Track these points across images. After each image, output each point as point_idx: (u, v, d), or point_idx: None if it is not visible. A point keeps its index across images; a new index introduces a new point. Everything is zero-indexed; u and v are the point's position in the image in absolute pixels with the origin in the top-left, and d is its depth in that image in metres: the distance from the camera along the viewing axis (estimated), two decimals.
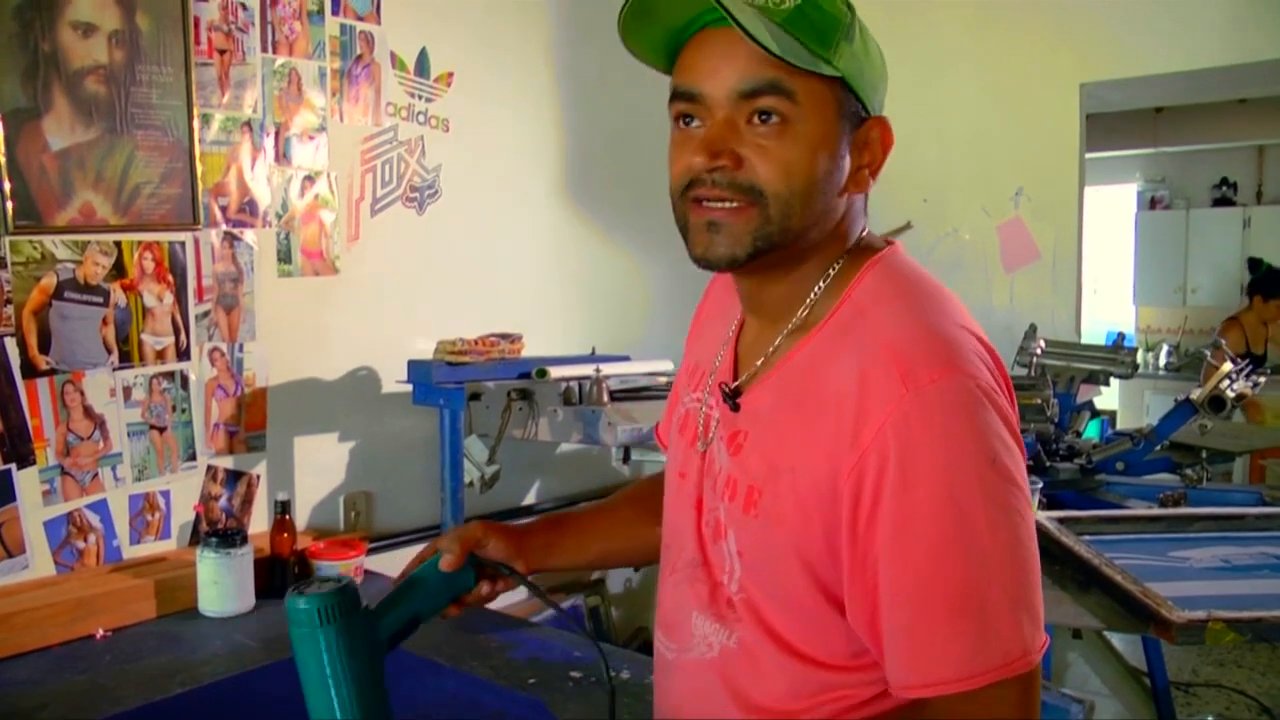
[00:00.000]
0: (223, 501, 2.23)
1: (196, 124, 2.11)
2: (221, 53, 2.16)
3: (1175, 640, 1.56)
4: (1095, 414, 3.13)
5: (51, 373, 1.95)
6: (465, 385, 2.31)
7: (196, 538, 2.13)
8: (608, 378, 2.32)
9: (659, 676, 1.07)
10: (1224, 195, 7.02)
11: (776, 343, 0.95)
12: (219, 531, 1.98)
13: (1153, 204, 7.28)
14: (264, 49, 2.23)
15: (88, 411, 2.00)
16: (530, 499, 2.93)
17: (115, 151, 2.00)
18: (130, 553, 2.08)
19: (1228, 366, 2.49)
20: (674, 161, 0.92)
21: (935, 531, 0.80)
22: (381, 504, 2.54)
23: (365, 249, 2.47)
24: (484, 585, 1.12)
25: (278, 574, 2.09)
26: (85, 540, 2.01)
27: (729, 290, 1.05)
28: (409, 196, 2.57)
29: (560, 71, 2.95)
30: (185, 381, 2.15)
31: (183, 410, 2.15)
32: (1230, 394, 2.47)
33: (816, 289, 0.94)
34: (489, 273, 2.78)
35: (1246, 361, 2.59)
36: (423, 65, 2.57)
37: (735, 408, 0.96)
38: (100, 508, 2.03)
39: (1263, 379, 2.57)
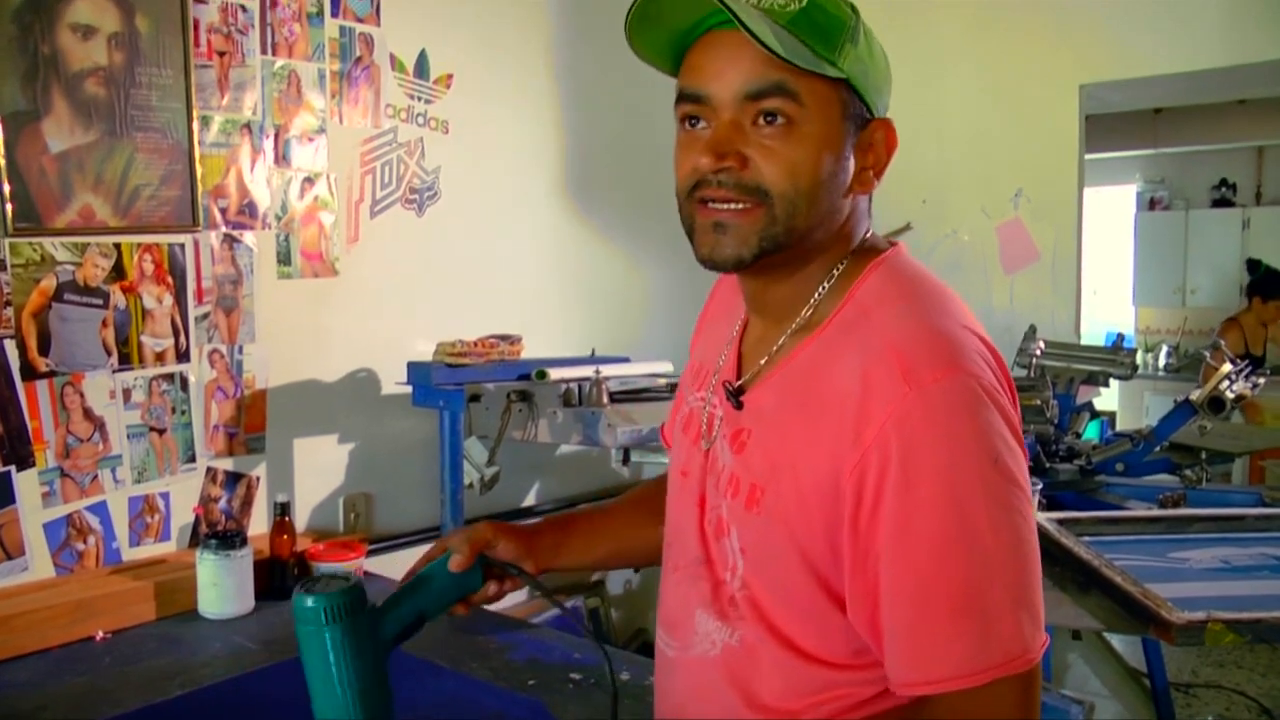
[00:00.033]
0: (222, 503, 2.23)
1: (196, 126, 2.11)
2: (221, 55, 2.16)
3: (1175, 641, 1.55)
4: (1095, 415, 3.13)
5: (51, 375, 1.95)
6: (465, 387, 2.30)
7: (196, 539, 2.13)
8: (607, 379, 2.31)
9: (660, 675, 1.07)
10: (1223, 196, 7.03)
11: (780, 342, 0.96)
12: (219, 533, 1.99)
13: (1152, 205, 7.28)
14: (263, 51, 2.23)
15: (87, 413, 2.00)
16: (530, 500, 2.93)
17: (115, 154, 2.00)
18: (130, 555, 2.08)
19: (1227, 367, 2.49)
20: (680, 163, 0.92)
21: (937, 530, 0.81)
22: (381, 506, 2.54)
23: (365, 251, 2.47)
24: (491, 585, 1.12)
25: (277, 576, 2.09)
26: (85, 542, 2.01)
27: (734, 291, 1.05)
28: (408, 198, 2.57)
29: (560, 73, 2.95)
30: (185, 383, 2.15)
31: (182, 412, 2.15)
32: (1230, 395, 2.47)
33: (821, 289, 0.94)
34: (488, 274, 2.78)
35: (1246, 362, 2.60)
36: (422, 67, 2.57)
37: (739, 406, 0.97)
38: (100, 510, 2.03)
39: (1262, 380, 2.57)
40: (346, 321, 2.44)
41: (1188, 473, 2.64)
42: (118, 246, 2.03)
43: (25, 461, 1.92)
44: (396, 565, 2.28)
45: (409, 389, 2.39)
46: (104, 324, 2.02)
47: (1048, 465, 2.57)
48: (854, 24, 0.90)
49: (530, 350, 2.56)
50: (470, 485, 2.39)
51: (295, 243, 2.33)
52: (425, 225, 2.61)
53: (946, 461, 0.81)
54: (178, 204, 2.10)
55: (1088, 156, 3.57)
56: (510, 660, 1.78)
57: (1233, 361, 2.54)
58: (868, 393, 0.84)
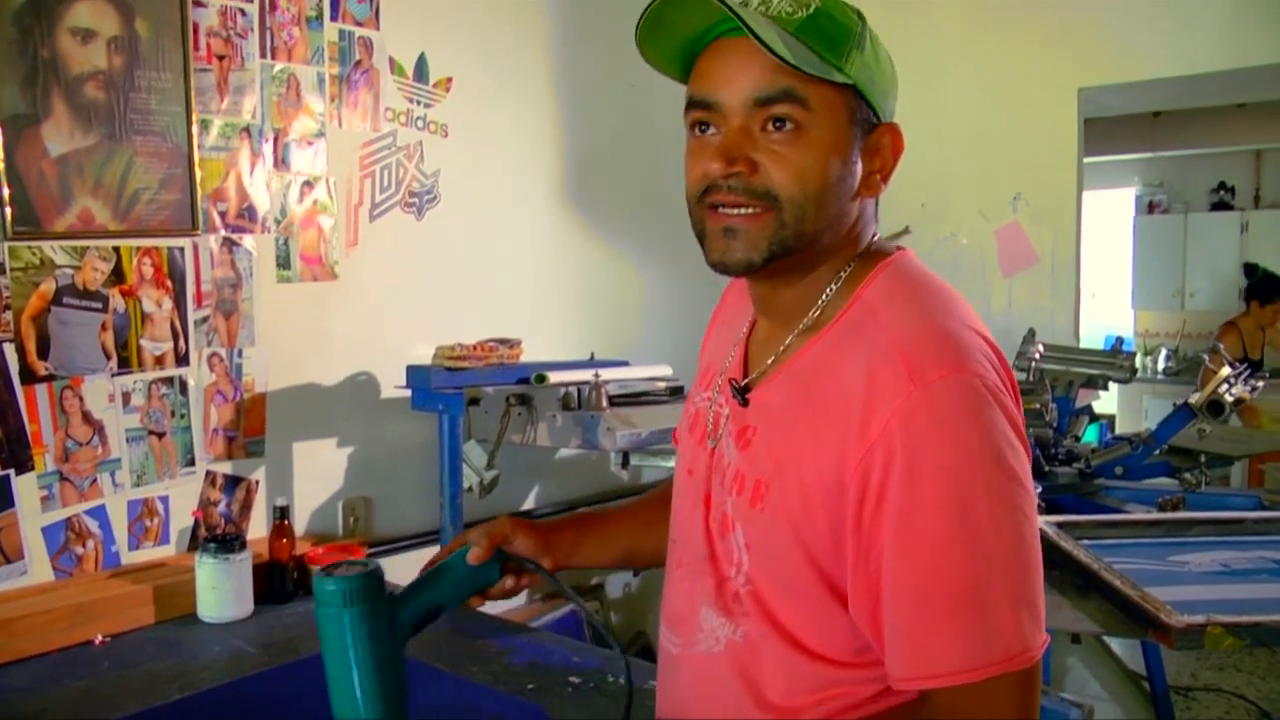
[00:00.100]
0: (221, 507, 2.23)
1: (195, 129, 2.11)
2: (220, 58, 2.16)
3: (1174, 645, 1.55)
4: (1094, 418, 3.14)
5: (50, 378, 1.95)
6: (464, 390, 2.31)
7: (195, 543, 2.13)
8: (606, 383, 2.32)
9: (663, 673, 1.08)
10: (1222, 199, 7.04)
11: (787, 341, 0.97)
12: (218, 537, 1.98)
13: (1151, 208, 7.29)
14: (263, 54, 2.24)
15: (86, 417, 2.00)
16: (529, 504, 2.93)
17: (114, 157, 2.00)
18: (129, 558, 2.08)
19: (1226, 371, 2.50)
20: (690, 168, 0.94)
21: (940, 527, 0.82)
22: (380, 509, 2.54)
23: (364, 254, 2.47)
24: (509, 579, 1.14)
25: (276, 579, 2.09)
26: (84, 546, 2.01)
27: (742, 294, 1.07)
28: (408, 201, 2.57)
29: (559, 76, 2.95)
30: (184, 387, 2.15)
31: (181, 416, 2.15)
32: (1229, 398, 2.47)
33: (828, 291, 0.95)
34: (488, 277, 2.78)
35: (1244, 366, 2.60)
36: (421, 70, 2.57)
37: (744, 403, 0.98)
38: (99, 513, 2.03)
39: (1260, 383, 2.57)
40: (346, 325, 2.44)
41: (1187, 476, 2.65)
42: (117, 250, 2.03)
43: (24, 465, 1.92)
44: (396, 569, 2.28)
45: (408, 392, 2.39)
46: (103, 327, 2.02)
47: (1047, 468, 2.57)
48: (860, 30, 0.91)
49: (529, 354, 2.56)
50: (469, 489, 2.39)
51: (294, 246, 2.33)
52: (424, 229, 2.61)
53: (950, 459, 0.82)
54: (177, 207, 2.10)
55: (1086, 160, 3.58)
56: (510, 664, 1.78)
57: (1231, 365, 2.54)
58: (873, 391, 0.85)
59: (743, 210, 0.90)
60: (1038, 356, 2.76)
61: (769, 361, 0.98)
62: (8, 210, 1.86)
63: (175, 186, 2.09)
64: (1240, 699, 3.46)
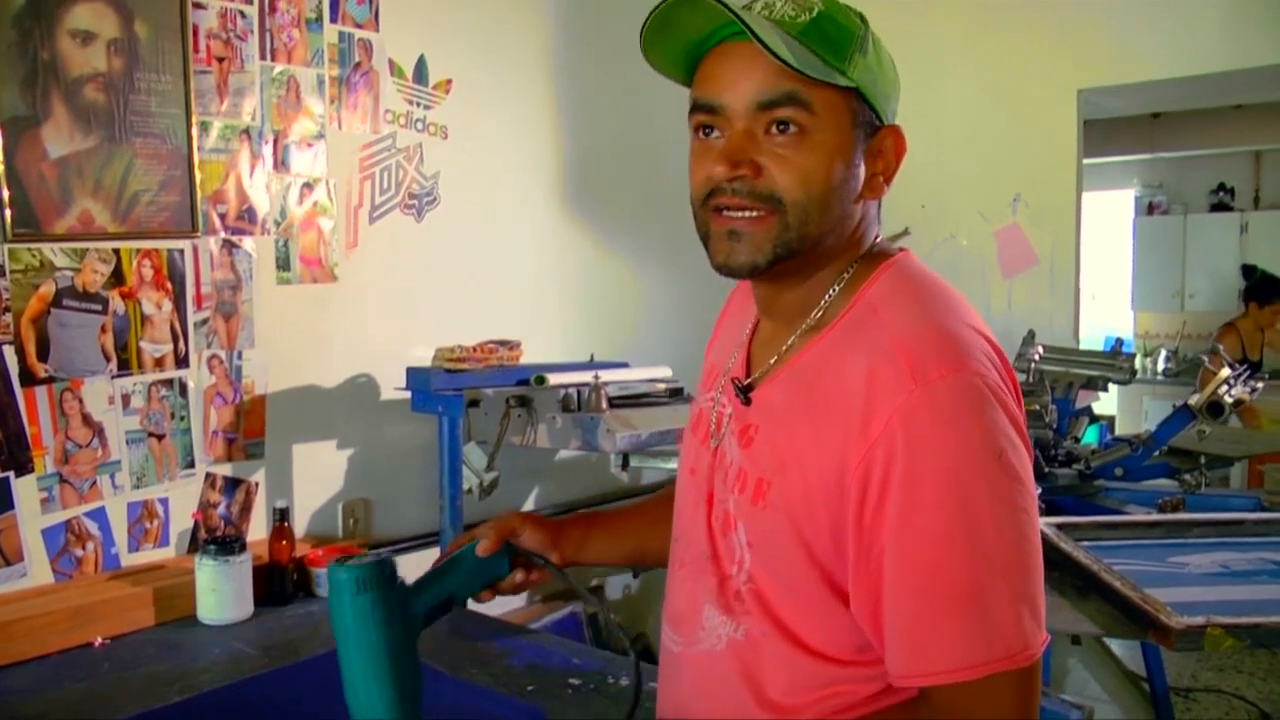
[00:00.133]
0: (221, 509, 2.23)
1: (195, 131, 2.11)
2: (220, 60, 2.17)
3: (1174, 646, 1.55)
4: (1094, 419, 3.14)
5: (50, 380, 1.95)
6: (464, 392, 2.31)
7: (195, 545, 2.13)
8: (606, 384, 2.31)
9: (665, 672, 1.08)
10: (1221, 200, 7.04)
11: (790, 341, 0.98)
12: (217, 539, 1.98)
13: (1150, 209, 7.30)
14: (262, 56, 2.24)
15: (86, 419, 2.00)
16: (529, 506, 2.93)
17: (114, 159, 2.01)
18: (129, 560, 2.08)
19: (1225, 372, 2.50)
20: (695, 171, 0.95)
21: (940, 525, 0.82)
22: (380, 511, 2.54)
23: (364, 256, 2.47)
24: (518, 573, 1.16)
25: (276, 581, 2.09)
26: (83, 548, 2.01)
27: (747, 296, 1.08)
28: (407, 203, 2.57)
29: (558, 78, 2.95)
30: (184, 389, 2.15)
31: (181, 418, 2.15)
32: (1228, 399, 2.47)
33: (831, 292, 0.96)
34: (487, 279, 2.78)
35: (1244, 367, 2.60)
36: (421, 72, 2.57)
37: (747, 402, 0.99)
38: (99, 515, 2.03)
39: (1260, 384, 2.57)
40: (345, 327, 2.44)
41: (1186, 477, 2.65)
42: (117, 252, 2.03)
43: (24, 467, 1.92)
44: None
45: (408, 394, 2.39)
46: (103, 329, 2.02)
47: (1046, 470, 2.57)
48: (863, 33, 0.92)
49: (529, 355, 2.56)
50: (469, 490, 2.39)
51: (294, 248, 2.33)
52: (424, 230, 2.61)
53: (951, 458, 0.83)
54: (177, 209, 2.10)
55: (1086, 161, 3.58)
56: (509, 666, 1.78)
57: (1231, 366, 2.54)
58: (874, 390, 0.86)
59: (747, 213, 0.91)
60: (1037, 358, 2.76)
61: (771, 361, 0.99)
62: (7, 212, 1.86)
63: (175, 188, 2.10)
64: (1240, 700, 3.46)
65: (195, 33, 2.11)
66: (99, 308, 2.01)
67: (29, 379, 1.92)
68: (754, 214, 0.91)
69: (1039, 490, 2.21)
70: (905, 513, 0.83)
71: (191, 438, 2.17)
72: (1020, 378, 2.71)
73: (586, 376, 2.35)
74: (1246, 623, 1.56)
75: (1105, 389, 2.86)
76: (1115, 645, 3.19)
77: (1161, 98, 4.84)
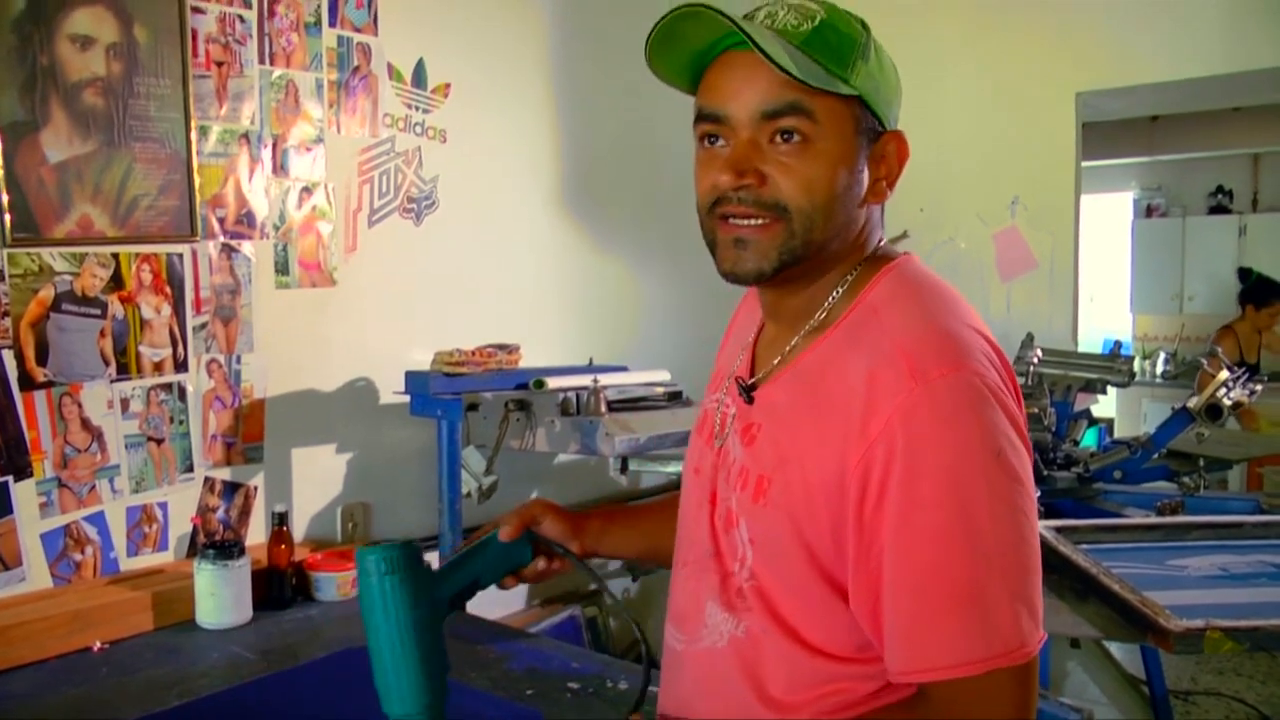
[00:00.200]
0: (220, 513, 2.23)
1: (194, 136, 2.11)
2: (219, 65, 2.17)
3: (1173, 649, 1.55)
4: (1092, 422, 3.13)
5: (49, 385, 1.95)
6: (463, 396, 2.31)
7: (194, 549, 2.13)
8: (605, 388, 2.32)
9: (667, 671, 1.09)
10: (1220, 203, 7.05)
11: (793, 342, 0.99)
12: (216, 543, 1.98)
13: (1149, 212, 7.30)
14: (261, 61, 2.24)
15: (85, 423, 2.00)
16: None
17: (113, 164, 2.01)
18: (127, 564, 2.08)
19: (1224, 374, 2.50)
20: (700, 180, 0.96)
21: (940, 523, 0.83)
22: (379, 515, 2.54)
23: (363, 260, 2.47)
24: (540, 561, 1.17)
25: (275, 586, 2.09)
26: (82, 552, 2.01)
27: (755, 302, 1.10)
28: (406, 207, 2.57)
29: (557, 82, 2.95)
30: (183, 393, 2.15)
31: (180, 422, 2.15)
32: (1227, 402, 2.48)
33: (834, 294, 0.98)
34: (486, 283, 2.78)
35: (1242, 370, 2.60)
36: (420, 76, 2.58)
37: (750, 401, 1.00)
38: (97, 520, 2.03)
39: (1258, 387, 2.57)
40: (344, 331, 2.44)
41: (1185, 480, 2.65)
42: (116, 256, 2.03)
43: (23, 472, 1.92)
44: None
45: (407, 398, 2.39)
46: (102, 334, 2.02)
47: (1045, 473, 2.57)
48: (865, 41, 0.93)
49: (528, 359, 2.56)
50: (468, 494, 2.39)
51: (293, 252, 2.33)
52: (423, 234, 2.61)
53: (951, 456, 0.84)
54: (176, 214, 2.11)
55: (1085, 164, 3.58)
56: (509, 670, 1.78)
57: (1229, 369, 2.54)
58: (875, 389, 0.87)
59: (753, 221, 0.92)
60: (1036, 361, 2.76)
61: (775, 362, 1.00)
62: (7, 217, 1.86)
63: (174, 193, 2.10)
64: (1240, 703, 3.46)
65: (194, 37, 2.11)
66: (98, 312, 2.01)
67: (28, 383, 1.92)
68: (759, 222, 0.92)
69: (1038, 493, 2.22)
70: (905, 511, 0.84)
71: (190, 442, 2.17)
72: (1019, 380, 2.72)
73: (585, 380, 2.35)
74: (1245, 626, 1.56)
75: (1104, 392, 2.86)
76: (1114, 648, 3.19)
77: (1161, 100, 4.83)
